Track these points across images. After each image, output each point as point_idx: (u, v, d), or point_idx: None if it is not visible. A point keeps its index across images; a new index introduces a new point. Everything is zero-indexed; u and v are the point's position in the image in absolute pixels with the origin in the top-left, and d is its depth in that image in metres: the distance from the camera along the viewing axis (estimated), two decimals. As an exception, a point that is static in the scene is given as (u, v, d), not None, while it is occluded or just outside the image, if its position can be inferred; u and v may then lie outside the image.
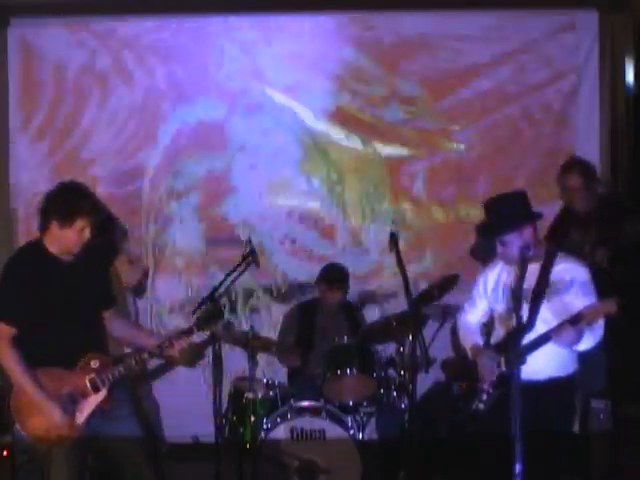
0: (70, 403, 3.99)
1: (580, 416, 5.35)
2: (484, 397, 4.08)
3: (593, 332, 3.93)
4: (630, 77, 6.47)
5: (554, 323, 3.90)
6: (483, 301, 4.29)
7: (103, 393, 4.02)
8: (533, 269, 4.02)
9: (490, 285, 4.24)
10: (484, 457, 4.16)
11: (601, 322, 3.94)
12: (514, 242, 3.98)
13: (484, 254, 4.95)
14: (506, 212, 4.04)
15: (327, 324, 6.05)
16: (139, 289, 5.93)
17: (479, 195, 6.42)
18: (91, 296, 4.08)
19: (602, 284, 4.08)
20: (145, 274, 5.83)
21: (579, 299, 3.93)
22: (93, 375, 4.01)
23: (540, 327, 3.94)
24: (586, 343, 3.93)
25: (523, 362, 3.74)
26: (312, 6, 6.49)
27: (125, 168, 6.60)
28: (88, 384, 4.00)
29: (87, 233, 3.97)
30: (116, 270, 5.30)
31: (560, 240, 5.41)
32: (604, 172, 6.40)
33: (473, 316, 4.34)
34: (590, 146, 6.43)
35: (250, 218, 6.55)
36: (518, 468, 3.45)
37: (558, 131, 6.56)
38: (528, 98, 6.55)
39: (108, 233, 5.42)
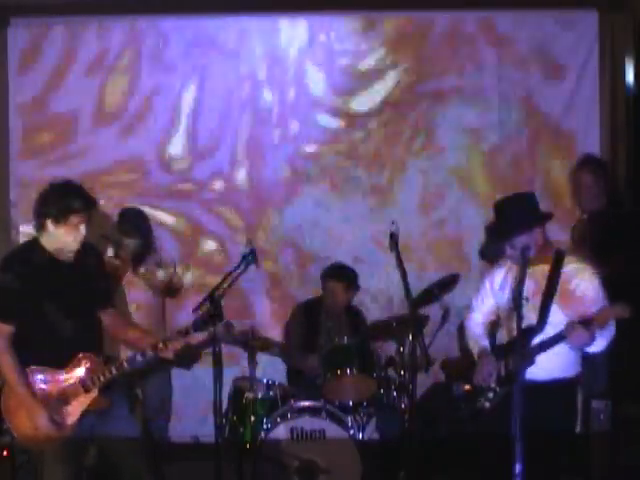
0: (61, 403, 3.98)
1: (580, 416, 5.35)
2: (490, 395, 4.08)
3: (605, 334, 3.93)
4: (630, 77, 6.46)
5: (563, 325, 3.90)
6: (490, 300, 4.29)
7: (94, 393, 4.01)
8: (542, 271, 4.03)
9: (497, 284, 4.24)
10: (484, 457, 4.16)
11: (612, 325, 3.96)
12: (523, 244, 3.96)
13: (493, 255, 4.94)
14: (515, 214, 4.03)
15: (330, 324, 6.03)
16: (170, 290, 5.95)
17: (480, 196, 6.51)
18: (87, 296, 4.07)
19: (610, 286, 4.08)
20: (173, 276, 5.84)
21: (588, 301, 3.94)
22: (83, 375, 4.00)
23: (550, 330, 3.95)
24: (598, 345, 3.94)
25: (532, 363, 3.76)
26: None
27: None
28: (78, 384, 4.00)
29: (82, 229, 3.99)
30: (114, 270, 5.30)
31: (577, 242, 5.40)
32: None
33: (480, 315, 4.35)
34: (590, 146, 6.43)
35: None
36: (518, 468, 3.45)
37: (558, 131, 6.57)
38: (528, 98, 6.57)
39: (139, 236, 5.46)
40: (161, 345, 4.04)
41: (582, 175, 5.49)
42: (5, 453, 5.30)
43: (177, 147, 6.63)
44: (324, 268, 6.11)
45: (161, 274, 5.65)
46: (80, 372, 4.00)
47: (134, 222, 5.54)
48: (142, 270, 5.50)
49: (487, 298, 4.31)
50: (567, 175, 5.94)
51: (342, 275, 5.98)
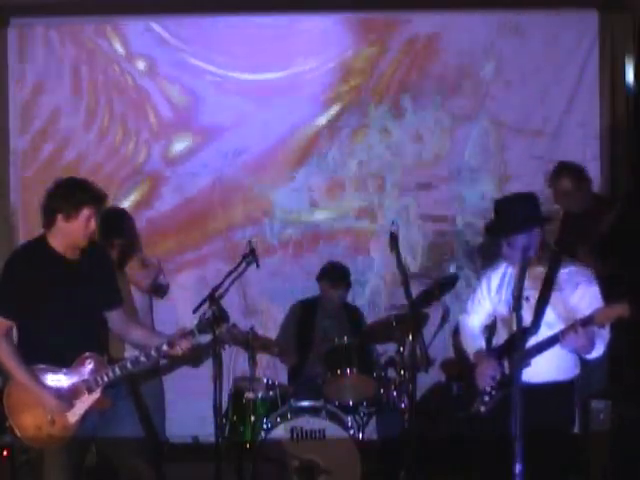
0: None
1: (580, 416, 5.35)
2: (486, 399, 4.07)
3: (601, 339, 3.91)
4: (630, 77, 6.46)
5: (558, 327, 3.90)
6: (486, 302, 4.25)
7: (97, 394, 4.01)
8: (539, 272, 4.01)
9: (493, 286, 4.21)
10: (484, 457, 4.16)
11: (607, 330, 3.94)
12: (521, 244, 3.92)
13: (492, 253, 4.94)
14: (515, 213, 4.00)
15: (327, 323, 6.05)
16: (157, 290, 5.93)
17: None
18: (93, 295, 4.06)
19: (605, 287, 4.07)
20: (158, 276, 5.83)
21: (584, 303, 3.93)
22: (87, 375, 4.00)
23: (544, 331, 3.94)
24: (597, 351, 3.92)
25: (527, 364, 3.75)
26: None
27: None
28: (81, 384, 3.99)
29: (93, 223, 4.00)
30: (123, 272, 5.31)
31: (560, 243, 5.42)
32: (604, 172, 6.42)
33: (476, 317, 4.32)
34: (590, 146, 6.43)
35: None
36: (518, 468, 3.44)
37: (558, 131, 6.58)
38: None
39: (123, 236, 5.47)
40: (166, 348, 4.05)
41: (560, 182, 5.61)
42: (5, 453, 5.30)
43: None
44: (320, 269, 6.15)
45: (146, 273, 5.65)
46: (84, 372, 4.00)
47: (118, 222, 5.53)
48: (127, 270, 5.49)
49: (483, 300, 4.27)
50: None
51: (336, 277, 6.01)
